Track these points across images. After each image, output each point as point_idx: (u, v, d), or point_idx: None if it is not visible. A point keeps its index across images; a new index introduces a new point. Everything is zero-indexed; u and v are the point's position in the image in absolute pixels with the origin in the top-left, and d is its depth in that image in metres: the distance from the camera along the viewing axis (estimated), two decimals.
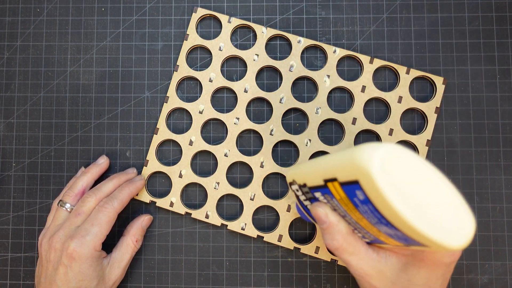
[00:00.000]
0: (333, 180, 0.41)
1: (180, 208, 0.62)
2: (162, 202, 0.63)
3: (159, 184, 0.64)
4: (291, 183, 0.51)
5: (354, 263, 0.47)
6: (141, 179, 0.62)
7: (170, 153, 0.64)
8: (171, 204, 0.62)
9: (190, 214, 0.62)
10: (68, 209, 0.58)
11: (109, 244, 0.60)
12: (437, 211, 0.38)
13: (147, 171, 0.63)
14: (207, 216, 0.62)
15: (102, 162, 0.63)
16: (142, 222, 0.61)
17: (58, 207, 0.59)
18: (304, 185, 0.48)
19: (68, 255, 0.54)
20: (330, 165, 0.42)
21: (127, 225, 0.61)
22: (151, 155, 0.63)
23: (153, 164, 0.63)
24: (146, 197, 0.63)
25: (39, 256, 0.57)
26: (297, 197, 0.52)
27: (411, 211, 0.36)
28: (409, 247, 0.43)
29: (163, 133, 0.63)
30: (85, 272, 0.54)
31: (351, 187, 0.39)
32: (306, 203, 0.51)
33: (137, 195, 0.63)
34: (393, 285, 0.47)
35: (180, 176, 0.63)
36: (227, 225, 0.62)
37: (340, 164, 0.40)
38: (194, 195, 0.64)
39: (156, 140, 0.63)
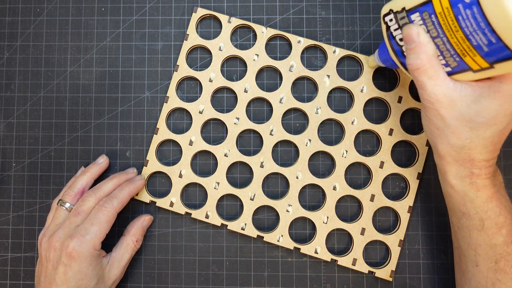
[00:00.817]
0: None
1: (180, 208, 0.62)
2: (162, 202, 0.63)
3: (159, 184, 0.64)
4: (385, 14, 0.51)
5: (430, 87, 0.48)
6: (141, 179, 0.62)
7: (170, 153, 0.64)
8: (171, 204, 0.62)
9: (190, 214, 0.62)
10: (68, 209, 0.58)
11: (109, 244, 0.60)
12: None
13: (147, 171, 0.63)
14: (207, 216, 0.62)
15: (102, 162, 0.63)
16: (142, 222, 0.61)
17: (58, 207, 0.59)
18: (402, 10, 0.48)
19: (67, 254, 0.54)
20: None
21: (128, 225, 0.61)
22: (151, 155, 0.63)
23: (153, 164, 0.63)
24: (146, 197, 0.63)
25: (38, 255, 0.57)
26: (388, 30, 0.52)
27: None
28: (494, 66, 0.43)
29: (163, 133, 0.63)
30: (84, 271, 0.54)
31: None
32: (397, 33, 0.51)
33: (137, 195, 0.63)
34: (460, 116, 0.48)
35: (180, 176, 0.63)
36: (227, 225, 0.62)
37: None
38: (194, 195, 0.64)
39: (156, 140, 0.63)
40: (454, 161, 0.50)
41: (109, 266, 0.57)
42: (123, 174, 0.61)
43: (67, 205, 0.58)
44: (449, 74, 0.48)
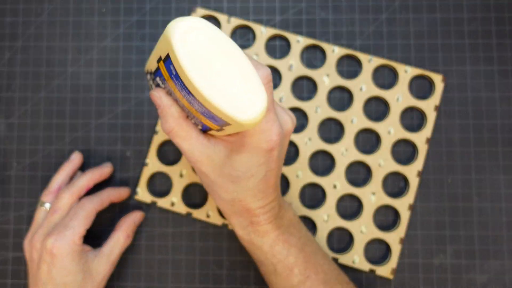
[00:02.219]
0: (160, 59, 0.42)
1: (181, 208, 0.62)
2: (163, 202, 0.63)
3: (159, 183, 0.64)
4: (146, 73, 0.51)
5: (186, 148, 0.47)
6: (127, 190, 0.62)
7: (170, 153, 0.64)
8: (172, 204, 0.62)
9: (191, 214, 0.62)
10: (47, 208, 0.59)
11: (100, 244, 0.60)
12: (233, 86, 0.39)
13: (147, 171, 0.63)
14: (208, 216, 0.62)
15: (74, 158, 0.63)
16: (134, 218, 0.61)
17: (38, 208, 0.59)
18: (150, 72, 0.48)
19: (48, 252, 0.54)
20: (158, 43, 0.42)
21: (119, 220, 0.61)
22: (152, 155, 0.63)
23: (153, 164, 0.63)
24: (147, 198, 0.63)
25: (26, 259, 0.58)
26: (150, 87, 0.52)
27: (207, 83, 0.38)
28: (224, 128, 0.43)
29: (163, 133, 0.63)
30: (68, 267, 0.54)
31: (167, 62, 0.40)
32: None
33: (137, 195, 0.63)
34: (220, 171, 0.48)
35: (181, 176, 0.63)
36: (227, 225, 0.62)
37: (160, 40, 0.41)
38: (195, 195, 0.64)
39: (157, 140, 0.63)
40: (233, 213, 0.51)
41: (97, 260, 0.57)
42: (97, 169, 0.62)
43: (46, 205, 0.59)
44: (204, 131, 0.48)
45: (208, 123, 0.44)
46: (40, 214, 0.59)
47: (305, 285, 0.51)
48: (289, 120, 0.49)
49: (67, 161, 0.63)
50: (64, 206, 0.57)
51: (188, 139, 0.47)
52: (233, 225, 0.52)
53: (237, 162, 0.47)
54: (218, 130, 0.45)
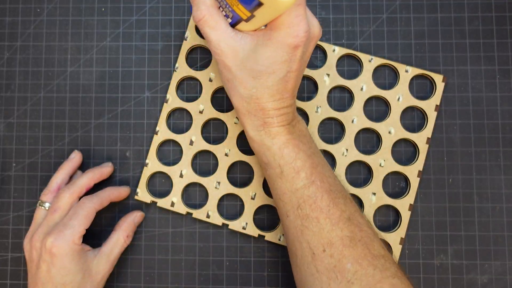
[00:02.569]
0: None
1: (181, 208, 0.62)
2: (163, 202, 0.62)
3: (159, 184, 0.64)
4: None
5: (213, 38, 0.49)
6: (126, 189, 0.62)
7: (170, 153, 0.64)
8: (172, 204, 0.62)
9: (191, 214, 0.62)
10: (47, 208, 0.59)
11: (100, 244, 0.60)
12: None
13: (147, 171, 0.63)
14: (208, 216, 0.62)
15: (74, 157, 0.63)
16: (134, 218, 0.61)
17: (38, 207, 0.59)
18: None
19: (48, 252, 0.54)
20: None
21: (119, 220, 0.61)
22: (152, 155, 0.63)
23: (153, 164, 0.63)
24: (147, 198, 0.63)
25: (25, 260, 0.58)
26: None
27: None
28: (254, 14, 0.45)
29: (164, 133, 0.63)
30: (67, 266, 0.54)
31: None
32: None
33: (137, 195, 0.63)
34: (243, 65, 0.49)
35: (181, 176, 0.63)
36: (228, 225, 0.62)
37: None
38: (195, 195, 0.64)
39: (157, 140, 0.63)
40: (248, 113, 0.51)
41: (96, 260, 0.57)
42: (98, 169, 0.62)
43: (46, 204, 0.59)
44: (232, 25, 0.49)
45: (240, 10, 0.46)
46: (39, 213, 0.59)
47: (309, 189, 0.51)
48: (317, 25, 0.50)
49: (66, 160, 0.63)
50: (64, 205, 0.57)
51: (216, 29, 0.49)
52: (245, 125, 0.52)
53: (261, 56, 0.48)
54: (248, 20, 0.47)
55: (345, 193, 0.53)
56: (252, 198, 0.62)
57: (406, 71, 0.62)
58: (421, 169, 0.62)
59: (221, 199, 0.63)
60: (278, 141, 0.51)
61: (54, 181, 0.60)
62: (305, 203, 0.51)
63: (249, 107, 0.51)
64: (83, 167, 0.64)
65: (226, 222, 0.62)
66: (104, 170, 0.62)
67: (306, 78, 0.64)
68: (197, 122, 0.63)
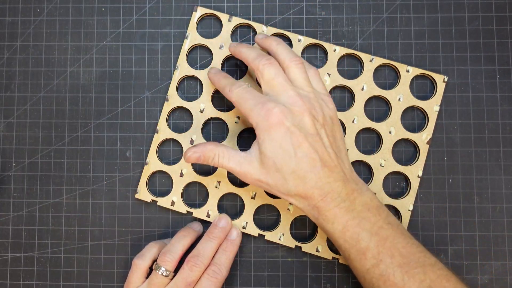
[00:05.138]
0: None
1: (181, 207, 0.62)
2: (163, 201, 0.62)
3: (160, 183, 0.64)
4: None
5: (232, 165, 0.54)
6: (238, 236, 0.61)
7: (170, 152, 0.64)
8: (172, 203, 0.62)
9: (192, 213, 0.62)
10: (165, 275, 0.56)
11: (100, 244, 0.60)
12: None
13: (148, 170, 0.63)
14: (208, 215, 0.62)
15: (199, 229, 0.62)
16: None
17: (155, 272, 0.56)
18: None
19: None
20: None
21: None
22: (152, 154, 0.63)
23: (154, 163, 0.63)
24: (147, 197, 0.63)
25: None
26: None
27: None
28: None
29: (164, 132, 0.63)
30: None
31: None
32: None
33: (137, 194, 0.63)
34: (262, 168, 0.52)
35: (181, 175, 0.63)
36: None
37: None
38: (195, 195, 0.64)
39: (157, 139, 0.63)
40: (302, 206, 0.53)
41: None
42: (193, 232, 0.61)
43: (167, 272, 0.56)
44: None
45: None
46: (159, 280, 0.56)
47: (379, 268, 0.50)
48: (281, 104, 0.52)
49: (189, 228, 0.61)
50: (197, 279, 0.56)
51: (231, 159, 0.54)
52: (308, 215, 0.54)
53: (265, 150, 0.51)
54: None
55: (424, 260, 0.51)
56: (253, 198, 0.62)
57: (407, 71, 0.62)
58: (421, 169, 0.62)
59: (221, 198, 0.63)
60: (337, 225, 0.51)
61: (179, 248, 0.58)
62: (379, 281, 0.51)
63: (297, 202, 0.53)
64: (84, 168, 0.64)
65: None
66: (199, 232, 0.62)
67: None
68: (198, 122, 0.63)
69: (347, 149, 0.62)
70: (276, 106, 0.51)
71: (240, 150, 0.62)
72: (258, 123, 0.51)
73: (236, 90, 0.54)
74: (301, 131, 0.51)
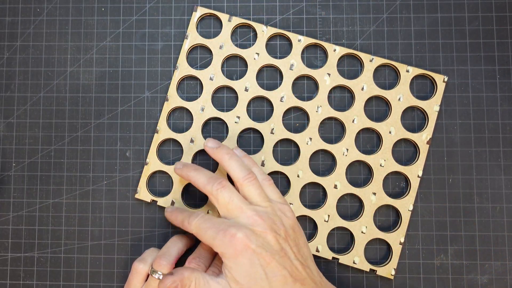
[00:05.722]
0: None
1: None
2: (163, 201, 0.62)
3: (160, 183, 0.64)
4: None
5: None
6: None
7: (170, 152, 0.64)
8: (172, 203, 0.62)
9: None
10: (159, 278, 0.55)
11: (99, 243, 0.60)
12: None
13: (148, 170, 0.63)
14: None
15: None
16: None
17: (151, 277, 0.55)
18: None
19: None
20: None
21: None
22: (152, 154, 0.63)
23: (154, 163, 0.63)
24: (147, 197, 0.63)
25: None
26: None
27: None
28: None
29: (164, 132, 0.63)
30: None
31: None
32: None
33: (137, 193, 0.63)
34: None
35: None
36: None
37: None
38: (195, 195, 0.64)
39: (157, 139, 0.63)
40: None
41: None
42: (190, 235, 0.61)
43: (158, 274, 0.55)
44: None
45: None
46: (153, 283, 0.55)
47: None
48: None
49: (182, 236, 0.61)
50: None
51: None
52: None
53: (236, 277, 0.51)
54: None
55: None
56: None
57: (407, 71, 0.62)
58: (421, 169, 0.62)
59: None
60: None
61: (175, 251, 0.58)
62: None
63: None
64: (84, 168, 0.64)
65: None
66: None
67: (307, 77, 0.64)
68: (198, 121, 0.63)
69: (347, 149, 0.62)
70: (238, 230, 0.50)
71: (242, 149, 0.62)
72: (223, 251, 0.51)
73: (194, 222, 0.53)
74: (267, 251, 0.50)
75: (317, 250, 0.61)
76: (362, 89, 0.62)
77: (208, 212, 0.62)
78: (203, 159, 0.64)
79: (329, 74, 0.63)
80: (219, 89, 0.64)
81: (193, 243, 0.61)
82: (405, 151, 0.63)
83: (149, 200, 0.62)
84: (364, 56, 0.63)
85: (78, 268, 0.63)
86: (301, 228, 0.55)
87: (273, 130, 0.62)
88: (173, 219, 0.57)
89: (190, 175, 0.56)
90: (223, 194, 0.53)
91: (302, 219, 0.63)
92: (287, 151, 0.63)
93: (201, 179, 0.55)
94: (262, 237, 0.51)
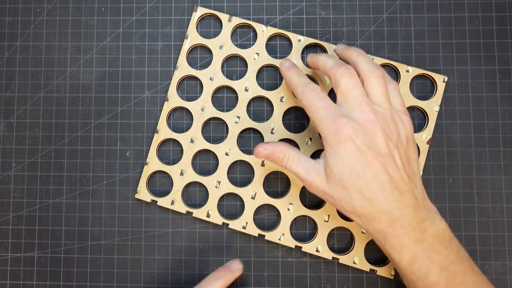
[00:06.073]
0: None
1: (181, 207, 0.62)
2: (163, 201, 0.62)
3: (159, 183, 0.64)
4: None
5: (300, 171, 0.53)
6: (239, 267, 0.59)
7: (170, 152, 0.64)
8: (172, 203, 0.62)
9: (191, 213, 0.62)
10: None
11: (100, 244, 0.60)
12: None
13: (148, 170, 0.63)
14: (208, 215, 0.62)
15: (237, 269, 0.58)
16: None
17: None
18: None
19: None
20: None
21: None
22: (152, 154, 0.63)
23: (154, 163, 0.63)
24: (147, 197, 0.63)
25: None
26: None
27: None
28: None
29: (164, 132, 0.63)
30: None
31: None
32: None
33: (137, 193, 0.63)
34: (330, 183, 0.50)
35: (181, 175, 0.63)
36: (228, 224, 0.62)
37: None
38: (195, 195, 0.64)
39: (157, 139, 0.63)
40: (367, 228, 0.51)
41: None
42: (230, 273, 0.58)
43: None
44: None
45: None
46: None
47: None
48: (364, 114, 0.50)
49: (226, 268, 0.59)
50: None
51: (299, 164, 0.53)
52: (369, 235, 0.52)
53: (332, 165, 0.49)
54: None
55: None
56: (253, 198, 0.62)
57: (407, 71, 0.62)
58: (421, 169, 0.62)
59: (221, 198, 0.63)
60: (405, 255, 0.49)
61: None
62: None
63: (361, 222, 0.51)
64: (84, 168, 0.64)
65: (226, 221, 0.62)
66: (237, 272, 0.58)
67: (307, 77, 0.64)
68: (198, 121, 0.63)
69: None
70: (348, 122, 0.48)
71: (240, 150, 0.62)
72: (326, 136, 0.49)
73: (308, 94, 0.52)
74: (372, 151, 0.48)
75: (317, 250, 0.61)
76: None
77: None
78: (203, 159, 0.64)
79: None
80: (219, 89, 0.64)
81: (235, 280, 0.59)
82: None
83: (149, 200, 0.62)
84: None
85: (78, 268, 0.63)
86: (416, 145, 0.53)
87: (273, 130, 0.62)
88: (287, 77, 0.57)
89: (320, 59, 0.55)
90: (347, 81, 0.50)
91: (302, 219, 0.63)
92: None
93: (329, 62, 0.53)
94: (371, 136, 0.49)
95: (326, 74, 0.53)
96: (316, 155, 0.63)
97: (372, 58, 0.63)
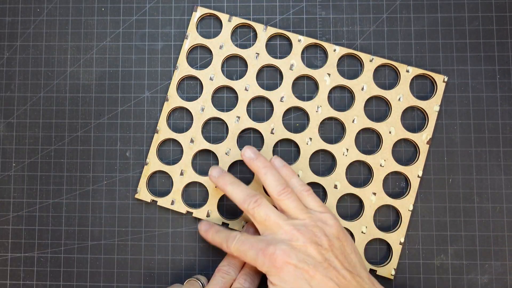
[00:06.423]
0: None
1: (181, 207, 0.62)
2: (163, 201, 0.62)
3: (159, 183, 0.64)
4: None
5: None
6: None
7: (170, 152, 0.64)
8: (172, 203, 0.62)
9: (191, 213, 0.62)
10: None
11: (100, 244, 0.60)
12: None
13: (148, 170, 0.63)
14: (208, 215, 0.62)
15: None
16: None
17: None
18: None
19: None
20: None
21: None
22: (152, 154, 0.63)
23: (154, 164, 0.63)
24: (147, 197, 0.63)
25: None
26: None
27: None
28: None
29: (164, 132, 0.63)
30: None
31: None
32: None
33: (137, 193, 0.63)
34: None
35: (181, 175, 0.63)
36: (228, 224, 0.62)
37: None
38: (195, 195, 0.64)
39: (157, 139, 0.63)
40: None
41: None
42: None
43: None
44: None
45: None
46: None
47: None
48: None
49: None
50: None
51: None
52: None
53: None
54: None
55: None
56: None
57: (407, 71, 0.62)
58: (421, 169, 0.62)
59: (221, 198, 0.63)
60: None
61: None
62: None
63: None
64: (84, 168, 0.64)
65: (226, 221, 0.62)
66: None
67: (307, 77, 0.64)
68: (198, 121, 0.63)
69: (347, 149, 0.62)
70: (276, 248, 0.50)
71: (240, 149, 0.62)
72: (265, 270, 0.51)
73: (233, 245, 0.53)
74: (310, 264, 0.49)
75: None
76: (362, 89, 0.62)
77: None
78: (203, 159, 0.64)
79: (329, 74, 0.63)
80: (219, 89, 0.64)
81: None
82: (405, 151, 0.63)
83: (149, 200, 0.62)
84: (364, 56, 0.63)
85: (78, 268, 0.63)
86: (347, 234, 0.54)
87: (273, 130, 0.62)
88: (209, 240, 0.58)
89: (226, 189, 0.56)
90: (260, 212, 0.53)
91: None
92: (287, 151, 0.63)
93: (238, 196, 0.55)
94: (303, 251, 0.50)
95: (237, 205, 0.55)
96: (316, 155, 0.63)
97: (372, 59, 0.63)
